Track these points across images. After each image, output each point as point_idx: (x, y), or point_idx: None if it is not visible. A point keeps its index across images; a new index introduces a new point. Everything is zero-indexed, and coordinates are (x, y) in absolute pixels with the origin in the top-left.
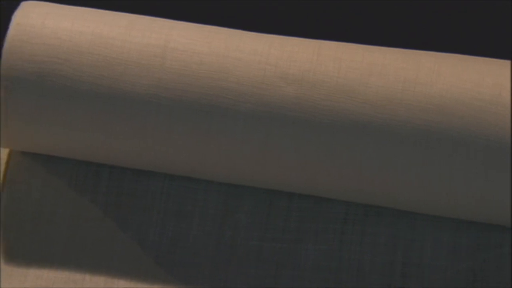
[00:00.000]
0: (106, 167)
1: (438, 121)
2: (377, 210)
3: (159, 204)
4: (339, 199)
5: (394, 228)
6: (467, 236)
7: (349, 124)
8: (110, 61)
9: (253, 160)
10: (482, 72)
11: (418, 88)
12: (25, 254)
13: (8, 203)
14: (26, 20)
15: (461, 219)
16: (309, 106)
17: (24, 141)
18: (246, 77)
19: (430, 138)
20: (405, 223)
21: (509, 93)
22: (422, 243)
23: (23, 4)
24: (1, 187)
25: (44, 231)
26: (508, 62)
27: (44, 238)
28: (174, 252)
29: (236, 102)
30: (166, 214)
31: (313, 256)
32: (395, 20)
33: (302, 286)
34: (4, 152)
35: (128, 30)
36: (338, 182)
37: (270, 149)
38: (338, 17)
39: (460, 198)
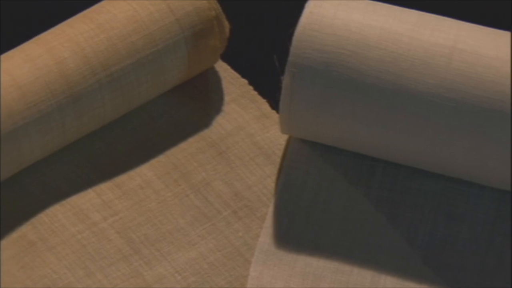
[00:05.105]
0: (381, 162)
1: None
2: None
3: (431, 204)
4: None
5: None
6: None
7: None
8: (396, 56)
9: None
10: None
11: None
12: (296, 241)
13: (284, 188)
14: (319, 10)
15: None
16: None
17: (304, 129)
18: None
19: None
20: None
21: None
22: None
23: None
24: (278, 172)
25: (317, 219)
26: None
27: (316, 227)
28: (442, 254)
29: None
30: (437, 214)
31: None
32: None
33: None
34: (284, 137)
35: (416, 27)
36: None
37: None
38: None
39: None
